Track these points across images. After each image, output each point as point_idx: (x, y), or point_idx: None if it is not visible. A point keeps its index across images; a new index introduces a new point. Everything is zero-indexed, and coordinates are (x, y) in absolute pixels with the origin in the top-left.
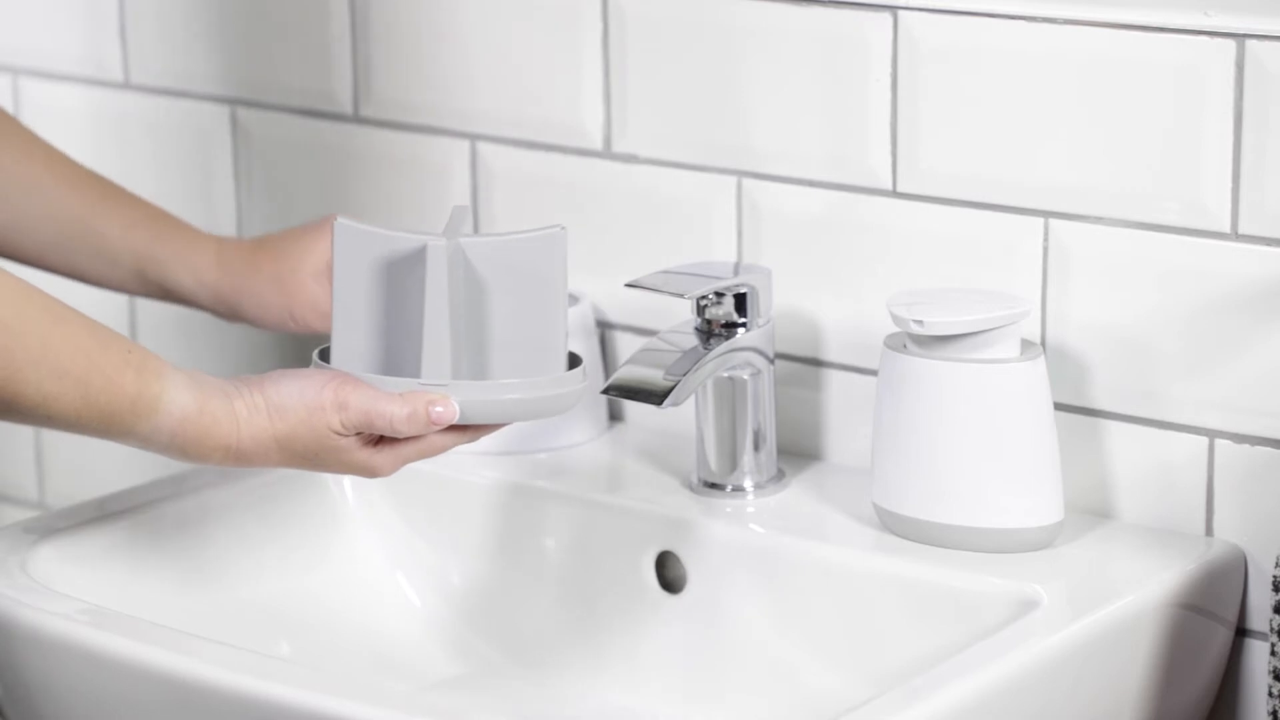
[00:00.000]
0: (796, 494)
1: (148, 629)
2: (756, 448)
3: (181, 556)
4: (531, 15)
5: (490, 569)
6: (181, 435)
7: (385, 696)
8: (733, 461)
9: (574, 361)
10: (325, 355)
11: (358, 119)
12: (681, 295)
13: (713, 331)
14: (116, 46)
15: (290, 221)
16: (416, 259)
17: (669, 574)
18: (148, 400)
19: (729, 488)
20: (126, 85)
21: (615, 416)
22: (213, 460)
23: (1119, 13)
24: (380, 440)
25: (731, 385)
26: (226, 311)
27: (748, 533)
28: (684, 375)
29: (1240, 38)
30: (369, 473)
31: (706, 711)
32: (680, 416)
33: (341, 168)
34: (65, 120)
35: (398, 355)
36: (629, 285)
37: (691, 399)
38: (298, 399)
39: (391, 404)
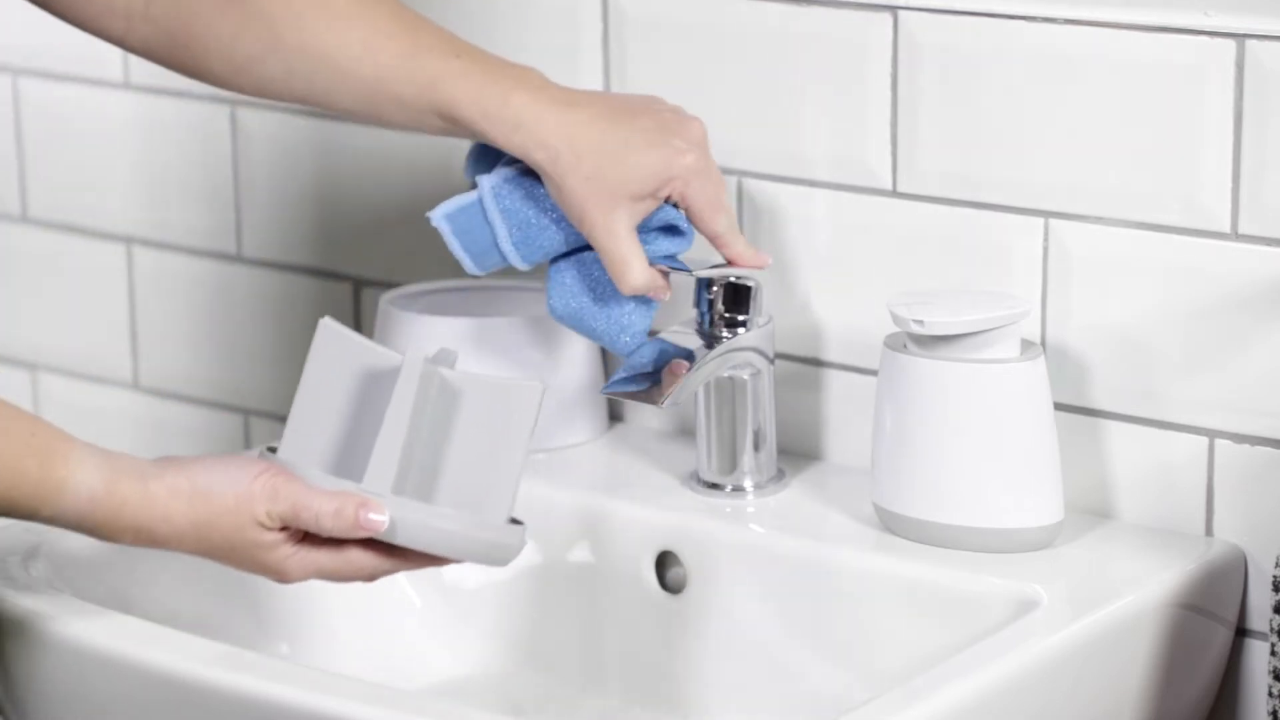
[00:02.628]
0: (796, 494)
1: (148, 629)
2: (756, 448)
3: (181, 557)
4: (531, 15)
5: (490, 569)
6: (90, 517)
7: (385, 696)
8: (733, 461)
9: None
10: (273, 451)
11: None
12: (690, 272)
13: (713, 331)
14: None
15: (286, 223)
16: (390, 375)
17: (669, 574)
18: (52, 485)
19: (729, 488)
20: (126, 85)
21: (615, 416)
22: (124, 541)
23: (1119, 13)
24: (302, 540)
25: (731, 385)
26: (541, 175)
27: (748, 533)
28: (684, 375)
29: (1240, 38)
30: (277, 575)
31: (706, 712)
32: (680, 416)
33: (341, 168)
34: (65, 120)
35: (347, 461)
36: None
37: (691, 399)
38: (227, 486)
39: (321, 499)
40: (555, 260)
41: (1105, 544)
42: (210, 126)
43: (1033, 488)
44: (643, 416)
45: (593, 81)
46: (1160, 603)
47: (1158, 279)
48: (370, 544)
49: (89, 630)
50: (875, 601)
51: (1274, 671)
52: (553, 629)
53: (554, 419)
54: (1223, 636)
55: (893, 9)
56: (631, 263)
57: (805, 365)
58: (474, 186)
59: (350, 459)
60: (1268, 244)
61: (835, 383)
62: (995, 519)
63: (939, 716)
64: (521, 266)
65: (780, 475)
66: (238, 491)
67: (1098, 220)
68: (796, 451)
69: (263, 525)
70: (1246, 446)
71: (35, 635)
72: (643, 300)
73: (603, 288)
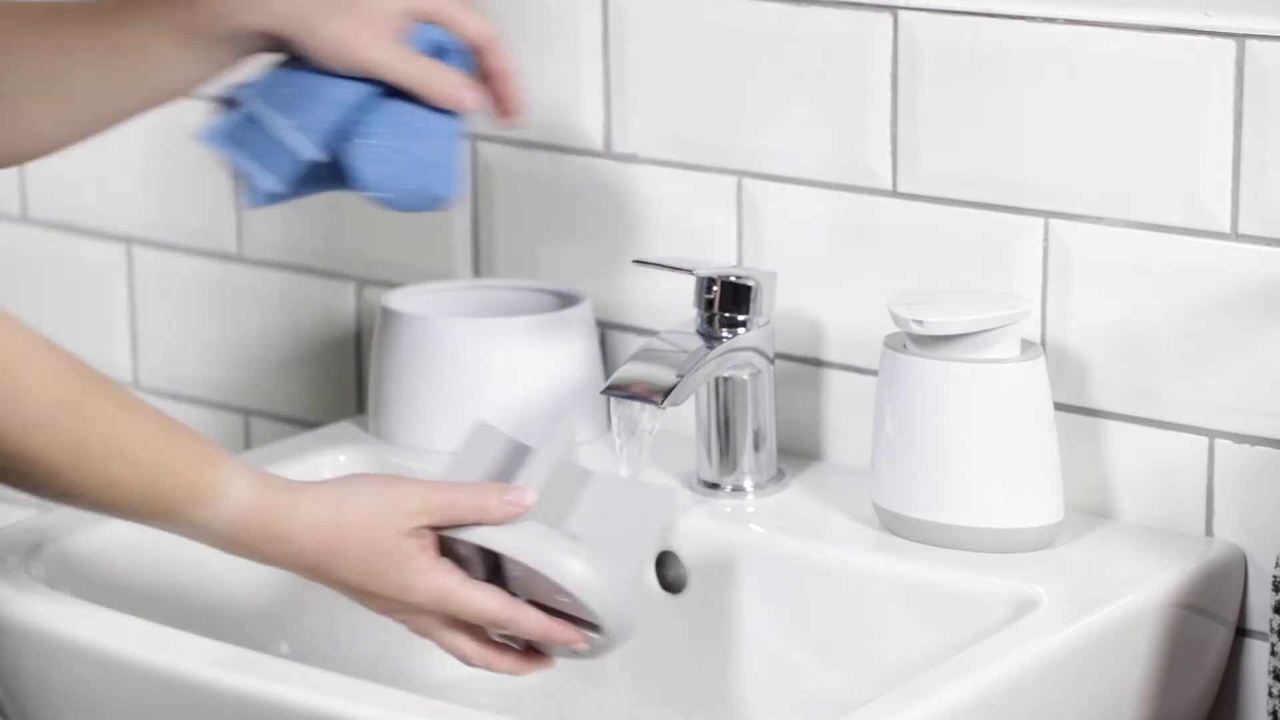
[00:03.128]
0: (796, 494)
1: (148, 629)
2: (756, 448)
3: (181, 557)
4: (531, 15)
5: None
6: (238, 523)
7: (385, 696)
8: (733, 461)
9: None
10: None
11: None
12: (691, 272)
13: (713, 332)
14: None
15: (291, 222)
16: (531, 453)
17: (669, 574)
18: (208, 488)
19: (729, 488)
20: None
21: None
22: (269, 553)
23: (1119, 13)
24: (438, 559)
25: (731, 385)
26: (297, 46)
27: (748, 533)
28: (684, 375)
29: (1240, 38)
30: (403, 590)
31: (707, 712)
32: (680, 416)
33: None
34: None
35: None
36: (637, 262)
37: (691, 399)
38: (373, 490)
39: (481, 490)
40: (344, 140)
41: (1105, 544)
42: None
43: (1033, 488)
44: None
45: (593, 81)
46: (1160, 603)
47: (1158, 279)
48: (492, 589)
49: (89, 630)
50: (875, 601)
51: (1274, 671)
52: None
53: (554, 419)
54: (1223, 636)
55: (893, 9)
56: (438, 70)
57: (805, 365)
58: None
59: None
60: (1268, 244)
61: (835, 383)
62: (995, 519)
63: (939, 716)
64: (311, 153)
65: (780, 475)
66: (386, 493)
67: (1098, 220)
68: (796, 451)
69: (408, 530)
70: (1246, 446)
71: (35, 635)
72: (454, 121)
73: (411, 128)
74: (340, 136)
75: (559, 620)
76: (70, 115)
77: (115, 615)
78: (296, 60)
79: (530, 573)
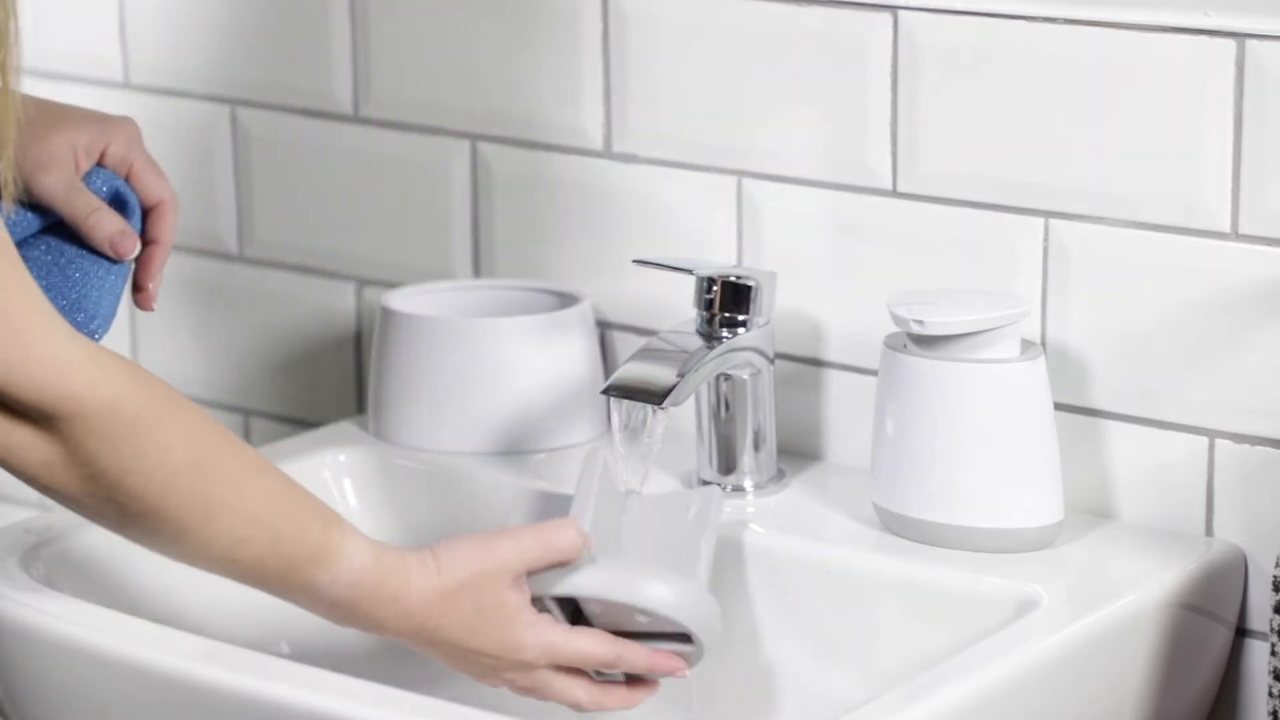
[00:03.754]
0: (796, 494)
1: (148, 629)
2: (756, 448)
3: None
4: (531, 15)
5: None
6: (358, 586)
7: (385, 696)
8: (733, 461)
9: None
10: None
11: (358, 119)
12: (691, 272)
13: (713, 332)
14: (116, 46)
15: (291, 222)
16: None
17: None
18: (330, 549)
19: (729, 488)
20: (126, 85)
21: None
22: (383, 617)
23: (1119, 13)
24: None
25: (731, 385)
26: None
27: (748, 533)
28: (684, 375)
29: (1240, 38)
30: (515, 648)
31: (707, 712)
32: (680, 416)
33: (341, 168)
34: None
35: None
36: (637, 262)
37: (691, 399)
38: (468, 551)
39: (561, 526)
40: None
41: (1105, 544)
42: (210, 126)
43: (1033, 488)
44: None
45: (593, 81)
46: (1160, 603)
47: (1158, 279)
48: (591, 631)
49: (89, 630)
50: (875, 601)
51: (1274, 671)
52: None
53: (554, 419)
54: (1223, 636)
55: (893, 9)
56: (103, 214)
57: (805, 365)
58: None
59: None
60: (1268, 244)
61: (835, 383)
62: (995, 519)
63: (939, 716)
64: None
65: (780, 475)
66: (481, 550)
67: (1098, 220)
68: (796, 451)
69: (510, 582)
70: (1246, 446)
71: (35, 635)
72: (116, 271)
73: (63, 267)
74: None
75: (659, 650)
76: None
77: (115, 615)
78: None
79: (612, 605)
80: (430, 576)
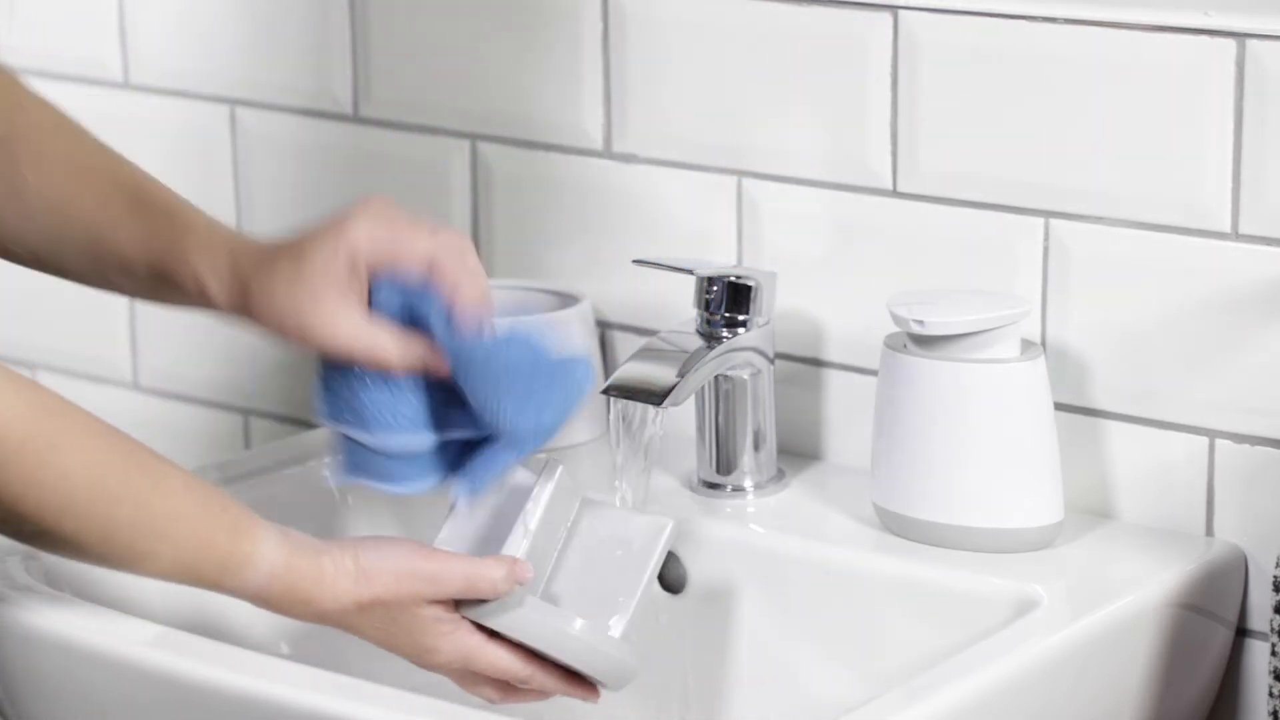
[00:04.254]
0: (796, 494)
1: (147, 629)
2: (756, 448)
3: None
4: (531, 15)
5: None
6: (267, 591)
7: (385, 696)
8: (733, 461)
9: None
10: None
11: (358, 119)
12: (691, 272)
13: (713, 332)
14: (116, 46)
15: (286, 223)
16: (529, 490)
17: (669, 574)
18: (237, 559)
19: (729, 488)
20: (126, 85)
21: None
22: (295, 615)
23: (1119, 13)
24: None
25: (731, 385)
26: (238, 311)
27: (748, 533)
28: (684, 375)
29: (1240, 37)
30: (429, 651)
31: (707, 712)
32: (680, 416)
33: (341, 168)
34: None
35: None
36: (637, 262)
37: (691, 399)
38: (389, 566)
39: (491, 566)
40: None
41: (1105, 544)
42: (210, 126)
43: (1033, 488)
44: None
45: (593, 80)
46: (1160, 603)
47: (1158, 279)
48: (511, 646)
49: (89, 630)
50: (875, 601)
51: (1274, 671)
52: None
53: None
54: (1223, 636)
55: (893, 9)
56: (382, 338)
57: (805, 365)
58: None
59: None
60: (1268, 244)
61: (835, 383)
62: (995, 519)
63: (939, 716)
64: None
65: (780, 475)
66: (402, 571)
67: (1098, 220)
68: (796, 451)
69: (427, 602)
70: (1246, 446)
71: (35, 635)
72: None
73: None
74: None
75: (571, 679)
76: (38, 256)
77: (115, 615)
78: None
79: (531, 647)
80: (345, 584)
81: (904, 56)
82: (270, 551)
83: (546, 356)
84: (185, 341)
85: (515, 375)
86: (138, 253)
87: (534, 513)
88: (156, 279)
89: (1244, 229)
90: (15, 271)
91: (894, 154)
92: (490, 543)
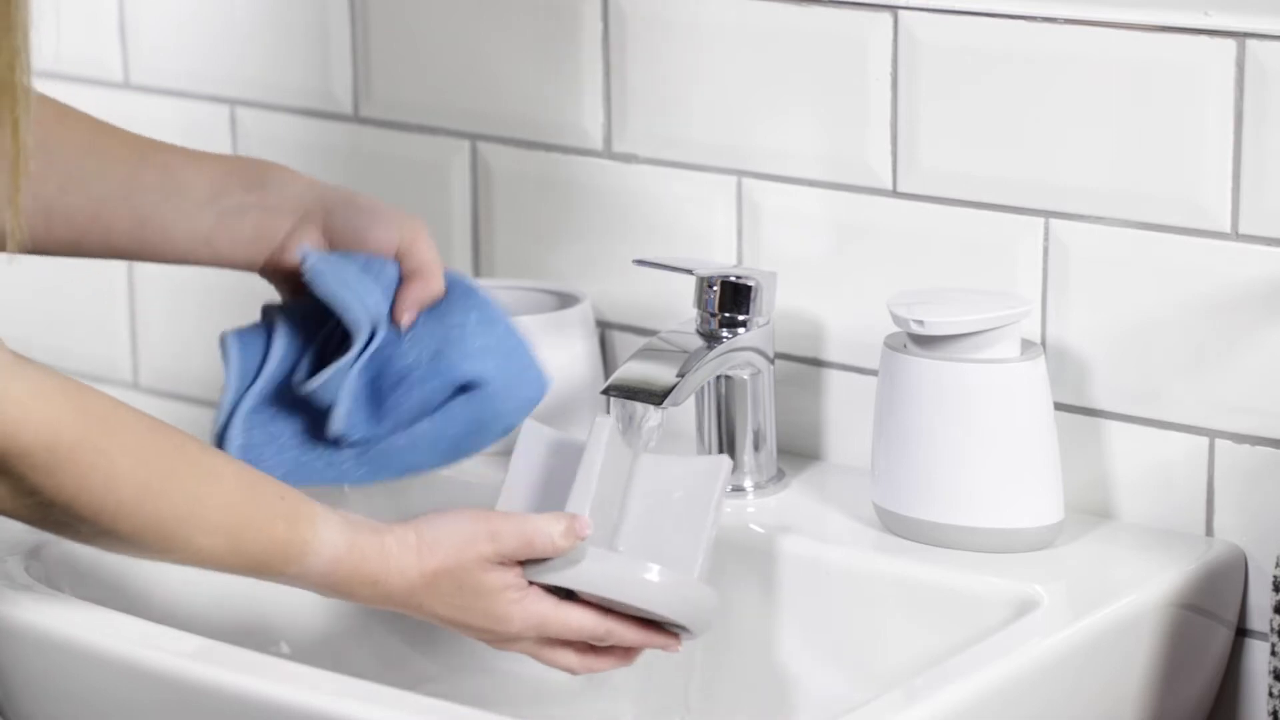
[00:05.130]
0: (796, 494)
1: (148, 629)
2: (756, 448)
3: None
4: (531, 15)
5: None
6: (333, 575)
7: (385, 696)
8: (733, 461)
9: None
10: None
11: (358, 119)
12: (691, 272)
13: (713, 332)
14: (116, 46)
15: None
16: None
17: None
18: (298, 545)
19: (729, 488)
20: (126, 85)
21: None
22: (361, 597)
23: (1119, 13)
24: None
25: (731, 385)
26: (328, 210)
27: (748, 533)
28: (684, 375)
29: (1240, 37)
30: (502, 622)
31: (707, 713)
32: (680, 416)
33: (341, 168)
34: None
35: None
36: (637, 262)
37: (691, 399)
38: (449, 533)
39: (550, 521)
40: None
41: (1105, 544)
42: (210, 126)
43: (1033, 488)
44: None
45: (593, 80)
46: (1160, 603)
47: (1158, 279)
48: (586, 604)
49: (89, 630)
50: (875, 601)
51: (1274, 671)
52: None
53: (554, 419)
54: (1223, 636)
55: (893, 9)
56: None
57: (805, 365)
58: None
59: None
60: (1268, 244)
61: (835, 383)
62: (995, 519)
63: (939, 716)
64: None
65: (780, 475)
66: (461, 537)
67: (1098, 220)
68: (796, 451)
69: (491, 564)
70: (1246, 446)
71: (35, 635)
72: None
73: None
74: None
75: (651, 628)
76: (91, 228)
77: (115, 615)
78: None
79: (601, 596)
80: (409, 558)
81: (904, 56)
82: (332, 534)
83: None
84: (185, 341)
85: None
86: (190, 159)
87: (591, 469)
88: (213, 182)
89: (1244, 229)
90: (15, 272)
91: (894, 154)
92: (551, 507)
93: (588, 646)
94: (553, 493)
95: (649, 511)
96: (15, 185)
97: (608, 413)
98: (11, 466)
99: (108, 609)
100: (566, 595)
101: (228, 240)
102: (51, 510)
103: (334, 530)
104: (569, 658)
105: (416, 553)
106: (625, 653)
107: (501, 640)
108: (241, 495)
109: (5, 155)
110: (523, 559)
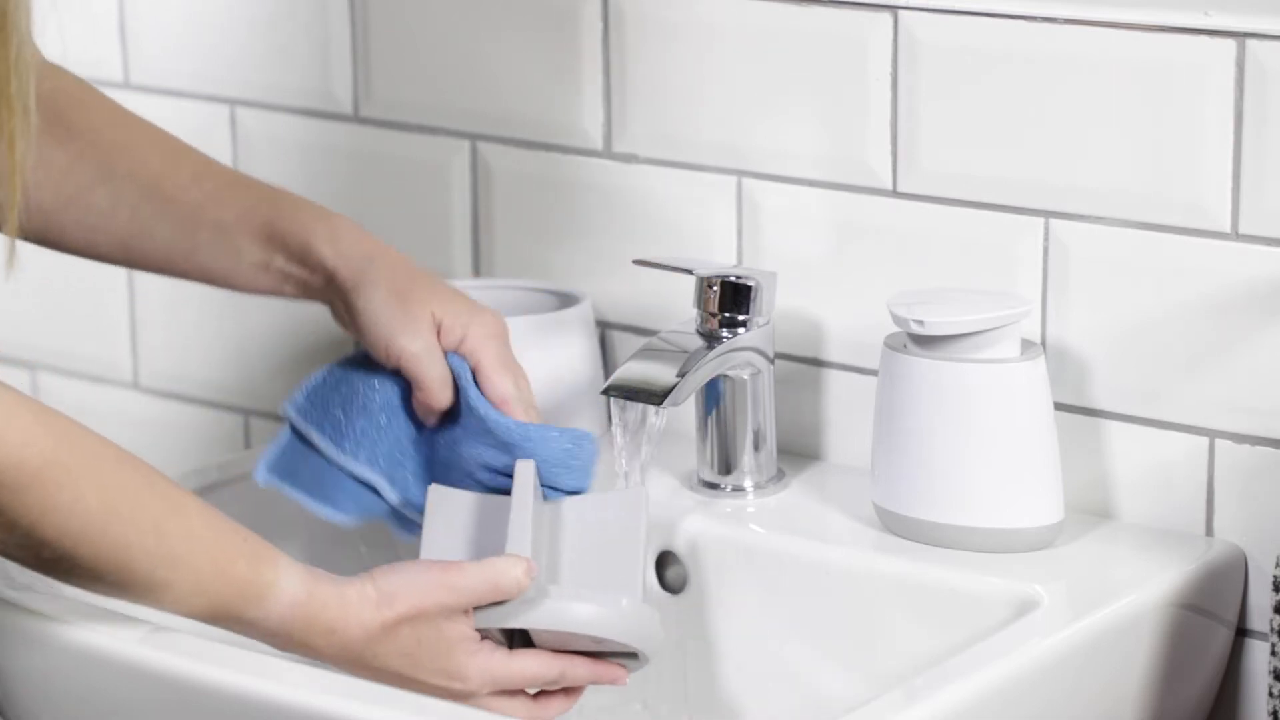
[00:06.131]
0: (796, 494)
1: (148, 629)
2: (756, 448)
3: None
4: (531, 15)
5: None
6: (290, 620)
7: (385, 696)
8: (733, 461)
9: None
10: None
11: (358, 119)
12: (691, 272)
13: (713, 332)
14: (116, 46)
15: None
16: (505, 502)
17: (669, 574)
18: (258, 587)
19: (729, 488)
20: (126, 85)
21: None
22: (316, 648)
23: (1119, 13)
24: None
25: (731, 385)
26: (346, 295)
27: (748, 533)
28: (684, 375)
29: (1240, 37)
30: (459, 678)
31: (707, 712)
32: (680, 416)
33: (341, 168)
34: None
35: None
36: (637, 262)
37: (691, 399)
38: (408, 583)
39: (508, 564)
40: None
41: (1105, 544)
42: (210, 126)
43: (1033, 488)
44: None
45: (593, 80)
46: (1160, 603)
47: (1158, 279)
48: (534, 650)
49: (89, 630)
50: (875, 601)
51: (1274, 671)
52: None
53: (554, 419)
54: (1223, 636)
55: (893, 9)
56: (441, 369)
57: (805, 365)
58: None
59: None
60: (1268, 244)
61: (835, 383)
62: (995, 519)
63: (939, 716)
64: (372, 478)
65: (780, 475)
66: (421, 585)
67: (1098, 220)
68: (796, 451)
69: (451, 613)
70: (1246, 446)
71: (35, 635)
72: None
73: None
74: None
75: (601, 661)
76: (123, 218)
77: (114, 615)
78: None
79: (557, 633)
80: (369, 610)
81: (904, 56)
82: (292, 579)
83: (551, 446)
84: (185, 342)
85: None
86: (241, 221)
87: (523, 510)
88: (263, 254)
89: (1244, 229)
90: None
91: (894, 154)
92: (484, 551)
93: (537, 693)
94: (478, 543)
95: (580, 548)
96: (11, 202)
97: (608, 413)
98: None
99: (108, 609)
100: (512, 642)
101: (287, 294)
102: (13, 531)
103: (295, 576)
104: (519, 708)
105: (375, 605)
106: (570, 693)
107: (455, 696)
108: (205, 530)
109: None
110: (485, 603)
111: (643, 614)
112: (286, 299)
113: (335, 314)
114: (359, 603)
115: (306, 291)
